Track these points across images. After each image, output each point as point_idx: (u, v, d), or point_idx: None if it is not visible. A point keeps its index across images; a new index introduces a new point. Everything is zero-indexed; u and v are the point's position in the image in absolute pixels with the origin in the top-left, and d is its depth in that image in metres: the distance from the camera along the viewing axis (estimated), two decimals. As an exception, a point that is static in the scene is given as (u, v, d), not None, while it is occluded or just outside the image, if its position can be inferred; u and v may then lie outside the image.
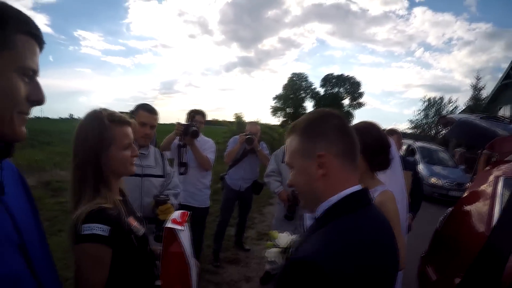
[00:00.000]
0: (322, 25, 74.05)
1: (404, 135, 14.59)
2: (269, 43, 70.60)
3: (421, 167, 9.45)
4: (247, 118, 15.94)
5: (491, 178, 2.15)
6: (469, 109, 19.11)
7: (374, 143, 1.48)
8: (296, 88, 36.25)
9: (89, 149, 1.13)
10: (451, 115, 3.03)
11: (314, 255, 0.70)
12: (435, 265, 2.38)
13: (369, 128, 1.53)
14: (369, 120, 1.58)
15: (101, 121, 1.15)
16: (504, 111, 18.24)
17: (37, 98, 0.71)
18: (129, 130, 1.24)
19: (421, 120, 24.58)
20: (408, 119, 29.14)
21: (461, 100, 28.48)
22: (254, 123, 4.05)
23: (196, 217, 3.30)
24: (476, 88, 20.36)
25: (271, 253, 0.85)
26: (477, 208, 2.18)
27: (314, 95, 36.29)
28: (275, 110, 36.63)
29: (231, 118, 15.63)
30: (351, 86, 36.16)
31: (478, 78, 20.53)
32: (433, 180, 9.12)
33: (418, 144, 11.32)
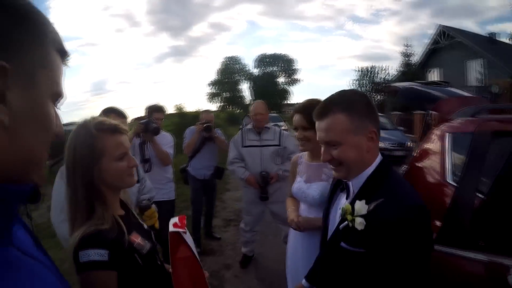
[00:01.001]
0: (252, 5, 73.83)
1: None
2: (199, 29, 68.66)
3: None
4: (188, 108, 15.89)
5: (438, 136, 2.39)
6: (402, 75, 20.70)
7: None
8: (230, 71, 35.82)
9: (78, 164, 1.02)
10: (396, 84, 3.27)
11: (417, 201, 0.95)
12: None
13: (315, 104, 1.66)
14: (309, 95, 1.71)
15: (88, 131, 1.03)
16: (432, 74, 20.13)
17: (60, 131, 0.54)
18: (123, 138, 1.11)
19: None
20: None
21: (393, 67, 30.71)
22: (208, 111, 4.12)
23: (165, 212, 3.24)
24: (406, 55, 22.07)
25: (360, 223, 0.93)
26: (429, 163, 2.42)
27: (249, 77, 36.19)
28: (211, 96, 36.00)
29: (170, 110, 15.25)
30: (286, 64, 36.58)
31: (407, 46, 22.22)
32: (376, 143, 9.83)
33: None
